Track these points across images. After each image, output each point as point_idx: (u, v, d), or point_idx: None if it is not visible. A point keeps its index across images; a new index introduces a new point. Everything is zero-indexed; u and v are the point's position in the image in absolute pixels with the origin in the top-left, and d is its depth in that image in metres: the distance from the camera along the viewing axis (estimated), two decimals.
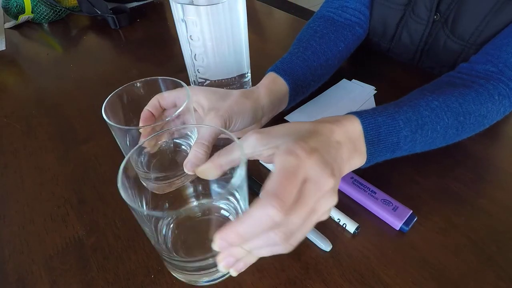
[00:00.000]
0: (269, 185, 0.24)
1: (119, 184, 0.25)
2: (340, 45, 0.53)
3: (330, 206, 0.27)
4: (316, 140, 0.28)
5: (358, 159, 0.33)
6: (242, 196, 0.29)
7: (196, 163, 0.31)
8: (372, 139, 0.34)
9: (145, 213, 0.25)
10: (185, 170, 0.31)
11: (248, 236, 0.24)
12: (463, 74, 0.43)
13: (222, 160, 0.30)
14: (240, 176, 0.25)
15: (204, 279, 0.31)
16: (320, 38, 0.52)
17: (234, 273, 0.27)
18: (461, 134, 0.39)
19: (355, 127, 0.33)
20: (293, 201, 0.24)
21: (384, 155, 0.35)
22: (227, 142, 0.31)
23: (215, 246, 0.24)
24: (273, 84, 0.45)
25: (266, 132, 0.30)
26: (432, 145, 0.38)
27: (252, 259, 0.27)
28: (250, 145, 0.30)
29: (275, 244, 0.25)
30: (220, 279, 0.32)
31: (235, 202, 0.31)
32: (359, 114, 0.34)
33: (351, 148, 0.32)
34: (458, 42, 0.52)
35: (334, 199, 0.27)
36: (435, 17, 0.54)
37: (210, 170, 0.30)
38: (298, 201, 0.25)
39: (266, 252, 0.26)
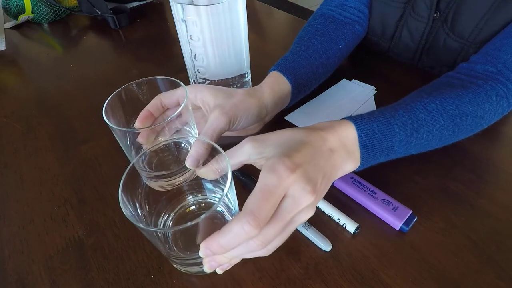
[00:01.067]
0: (248, 202, 0.26)
1: (121, 203, 0.28)
2: (340, 44, 0.53)
3: (307, 217, 0.29)
4: (305, 153, 0.29)
5: (352, 164, 0.34)
6: (232, 195, 0.31)
7: (197, 158, 0.33)
8: (366, 145, 0.34)
9: (141, 225, 0.26)
10: (187, 164, 0.33)
11: (228, 247, 0.26)
12: (462, 75, 0.43)
13: (218, 166, 0.32)
14: (227, 180, 0.28)
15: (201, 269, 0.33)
16: (321, 37, 0.52)
17: (219, 272, 0.30)
18: (458, 135, 0.39)
19: (350, 133, 0.34)
20: (269, 217, 0.26)
21: (378, 159, 0.36)
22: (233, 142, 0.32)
23: (201, 253, 0.27)
24: (277, 84, 0.45)
25: (261, 140, 0.31)
26: (427, 146, 0.38)
27: (236, 260, 0.30)
28: (245, 153, 0.31)
29: (254, 250, 0.27)
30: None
31: (227, 200, 0.33)
32: (354, 120, 0.34)
33: (345, 154, 0.33)
34: (458, 41, 0.52)
35: (312, 212, 0.29)
36: (434, 15, 0.54)
37: (208, 173, 0.32)
38: (275, 216, 0.27)
39: (247, 256, 0.29)
